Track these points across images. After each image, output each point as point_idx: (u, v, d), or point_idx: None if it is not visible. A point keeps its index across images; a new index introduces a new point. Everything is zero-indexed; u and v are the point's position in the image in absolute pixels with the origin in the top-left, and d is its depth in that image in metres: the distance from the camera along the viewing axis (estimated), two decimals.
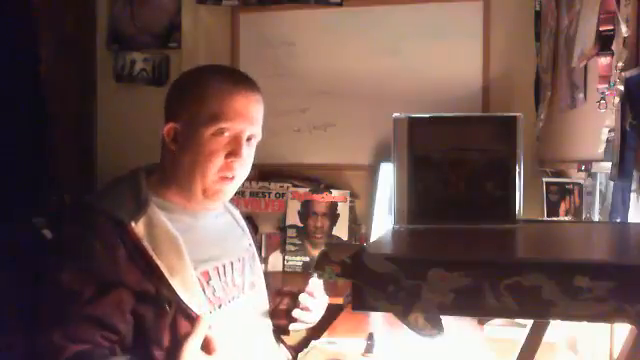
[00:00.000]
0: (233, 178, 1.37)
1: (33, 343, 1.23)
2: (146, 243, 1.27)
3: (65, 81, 2.80)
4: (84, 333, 1.21)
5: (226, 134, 1.34)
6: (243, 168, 1.39)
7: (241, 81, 1.38)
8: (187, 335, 1.20)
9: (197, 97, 1.35)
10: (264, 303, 1.54)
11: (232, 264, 1.44)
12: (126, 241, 1.26)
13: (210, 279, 1.36)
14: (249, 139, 1.38)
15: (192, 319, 1.28)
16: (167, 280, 1.26)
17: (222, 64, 2.64)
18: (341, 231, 2.72)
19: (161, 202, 1.36)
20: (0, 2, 2.38)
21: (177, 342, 1.23)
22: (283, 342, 1.60)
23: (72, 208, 1.53)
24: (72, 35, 2.85)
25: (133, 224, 1.27)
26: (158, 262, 1.26)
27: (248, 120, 1.36)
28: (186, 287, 1.28)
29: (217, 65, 1.63)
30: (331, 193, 2.75)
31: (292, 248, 2.73)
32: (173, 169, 1.37)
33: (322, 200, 2.74)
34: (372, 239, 2.57)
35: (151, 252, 1.26)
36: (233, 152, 1.35)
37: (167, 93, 1.43)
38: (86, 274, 1.23)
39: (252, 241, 1.58)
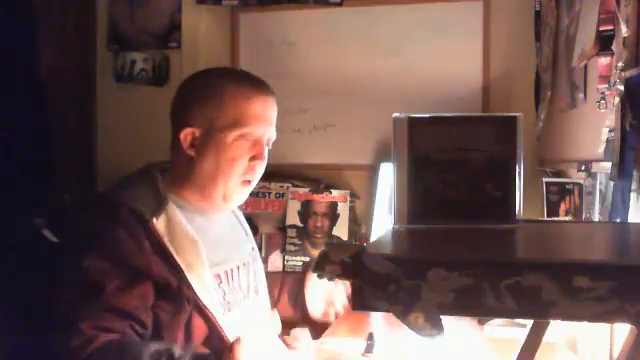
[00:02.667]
0: (252, 181, 1.39)
1: (58, 334, 1.20)
2: (166, 240, 1.27)
3: (65, 81, 2.80)
4: (113, 323, 1.19)
5: (248, 139, 1.35)
6: (262, 170, 1.40)
7: (258, 85, 1.39)
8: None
9: (215, 102, 1.34)
10: (267, 307, 1.55)
11: (238, 268, 1.45)
12: (148, 235, 1.26)
13: (221, 282, 1.36)
14: (267, 141, 1.40)
15: (208, 318, 1.28)
16: (186, 277, 1.27)
17: (230, 67, 2.66)
18: (341, 231, 2.72)
19: (176, 200, 1.36)
20: (0, 2, 2.38)
21: (190, 341, 1.23)
22: (284, 342, 1.60)
23: (90, 201, 1.51)
24: (72, 35, 2.85)
25: (154, 220, 1.28)
26: (178, 259, 1.27)
27: (267, 123, 1.38)
28: (203, 286, 1.29)
29: (227, 68, 1.65)
30: (331, 193, 2.75)
31: (292, 248, 2.73)
32: (191, 173, 1.37)
33: (322, 200, 2.74)
34: (372, 239, 2.57)
35: (171, 249, 1.27)
36: (256, 156, 1.36)
37: (176, 96, 1.41)
38: (113, 264, 1.22)
39: (254, 244, 1.59)
